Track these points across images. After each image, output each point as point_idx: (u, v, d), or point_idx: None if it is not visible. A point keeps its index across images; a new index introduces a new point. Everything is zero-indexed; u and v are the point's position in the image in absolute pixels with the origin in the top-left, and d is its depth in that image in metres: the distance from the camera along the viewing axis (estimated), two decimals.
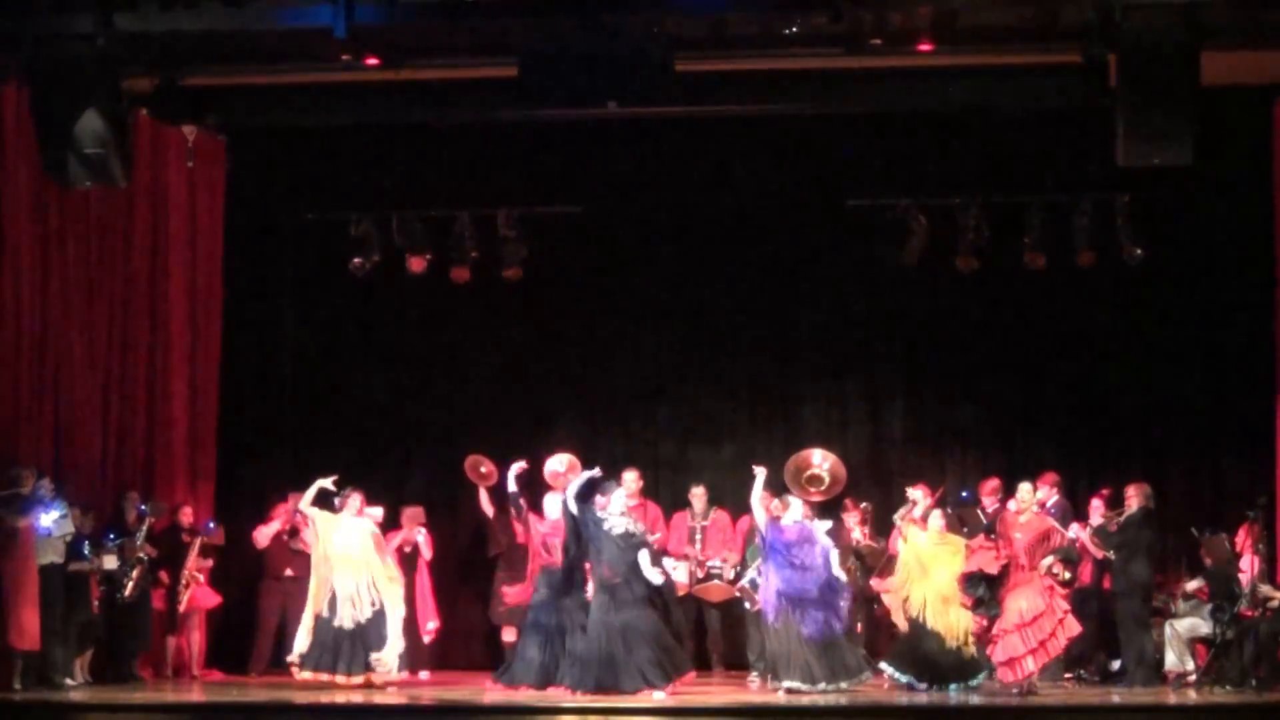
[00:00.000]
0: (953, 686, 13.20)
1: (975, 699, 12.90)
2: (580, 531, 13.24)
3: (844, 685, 13.10)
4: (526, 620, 13.78)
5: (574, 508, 13.24)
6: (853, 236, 15.97)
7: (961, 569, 13.43)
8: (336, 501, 13.89)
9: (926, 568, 13.40)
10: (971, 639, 13.34)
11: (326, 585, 13.70)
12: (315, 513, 13.89)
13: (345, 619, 13.61)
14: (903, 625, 13.52)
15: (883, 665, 13.55)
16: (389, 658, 13.61)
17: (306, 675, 13.61)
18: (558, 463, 14.39)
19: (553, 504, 13.91)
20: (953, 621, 13.28)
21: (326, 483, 13.81)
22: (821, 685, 13.03)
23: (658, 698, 12.64)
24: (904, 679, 13.33)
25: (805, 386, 16.31)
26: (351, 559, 13.73)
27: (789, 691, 13.01)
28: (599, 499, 13.36)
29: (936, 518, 13.61)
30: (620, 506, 13.33)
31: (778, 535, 13.38)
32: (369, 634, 13.63)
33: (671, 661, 13.05)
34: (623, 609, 12.97)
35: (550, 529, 13.81)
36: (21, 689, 12.94)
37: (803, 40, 13.14)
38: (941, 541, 13.52)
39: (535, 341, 16.40)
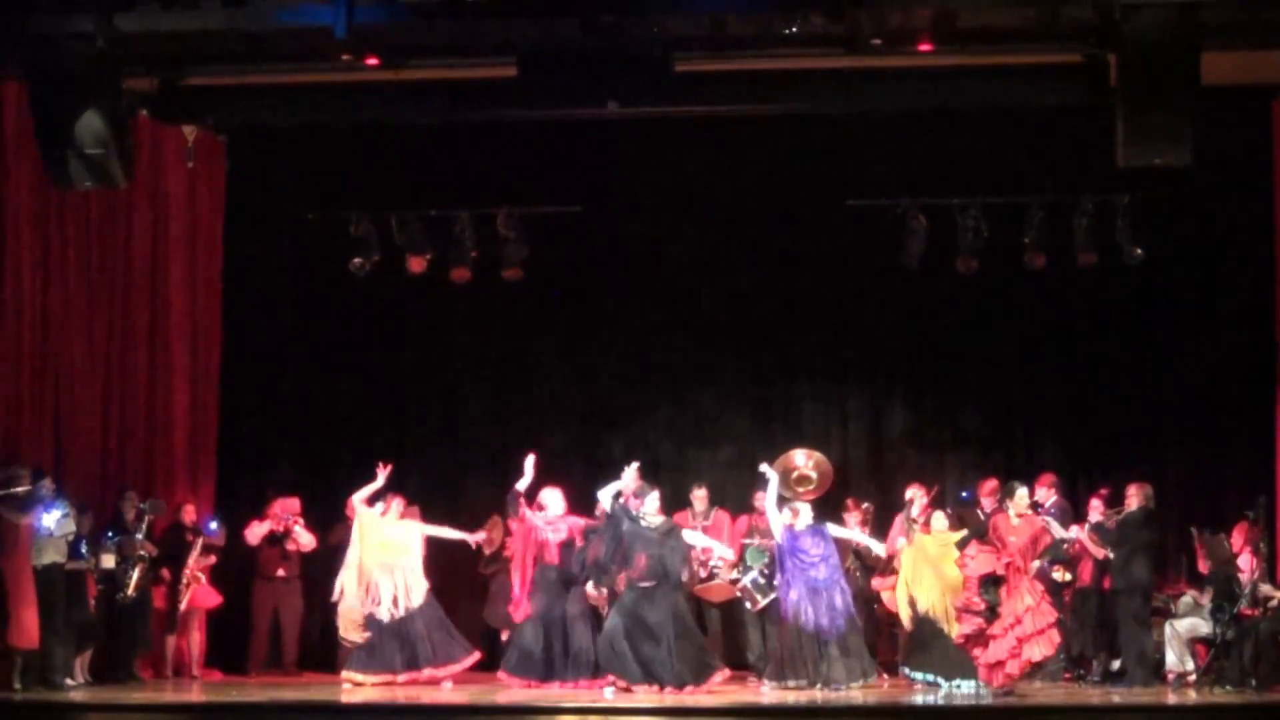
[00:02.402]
0: (970, 684, 13.22)
1: (985, 697, 12.94)
2: (616, 531, 13.41)
3: (852, 686, 13.30)
4: (530, 614, 13.87)
5: (609, 506, 13.53)
6: (853, 236, 15.97)
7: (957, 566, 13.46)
8: (380, 505, 14.18)
9: (933, 567, 13.45)
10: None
11: (365, 584, 13.94)
12: (364, 511, 14.04)
13: (385, 617, 13.84)
14: (908, 625, 13.59)
15: (904, 670, 13.65)
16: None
17: (358, 679, 13.79)
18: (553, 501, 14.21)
19: (553, 499, 13.97)
20: (949, 617, 13.34)
21: (379, 483, 14.08)
22: (834, 686, 13.25)
23: (688, 693, 12.98)
24: (927, 678, 13.41)
25: (805, 386, 16.33)
26: (394, 559, 13.95)
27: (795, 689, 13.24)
28: (633, 500, 13.59)
29: (940, 517, 13.66)
30: (654, 507, 13.55)
31: (794, 540, 13.58)
32: (412, 632, 13.85)
33: (705, 661, 13.41)
34: (657, 606, 13.23)
35: (547, 525, 13.88)
36: (22, 689, 12.94)
37: (803, 40, 13.11)
38: (943, 541, 13.56)
39: (535, 341, 16.40)
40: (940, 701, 12.92)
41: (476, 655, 14.21)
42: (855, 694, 13.18)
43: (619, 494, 13.64)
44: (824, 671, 13.32)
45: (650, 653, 13.20)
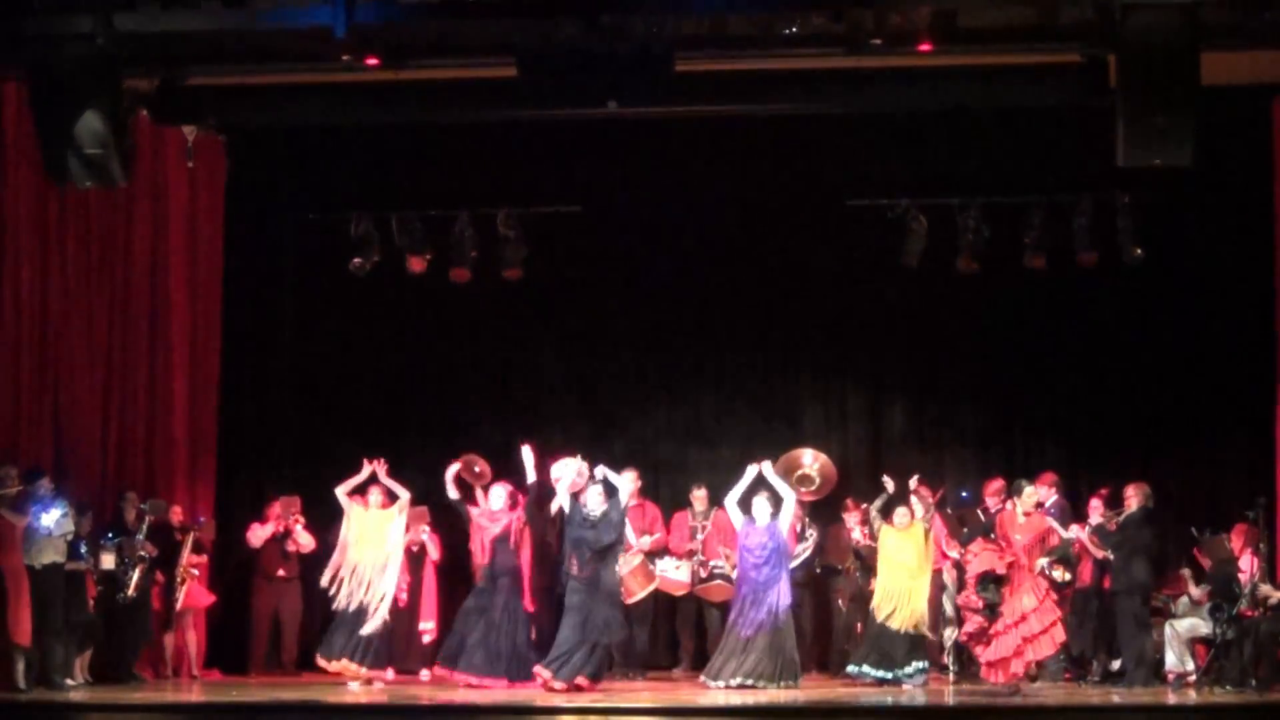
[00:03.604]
0: (894, 673, 13.45)
1: (920, 696, 13.04)
2: (565, 526, 13.50)
3: (768, 686, 13.40)
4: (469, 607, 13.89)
5: (567, 504, 13.51)
6: (853, 236, 15.98)
7: (920, 551, 13.59)
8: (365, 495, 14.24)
9: (889, 560, 13.68)
10: (924, 628, 13.66)
11: (342, 577, 13.98)
12: (349, 505, 14.10)
13: (352, 604, 13.85)
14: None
15: (850, 665, 13.88)
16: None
17: (335, 667, 13.86)
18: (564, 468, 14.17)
19: (497, 496, 14.00)
20: (902, 609, 13.52)
21: (367, 473, 14.10)
22: (765, 684, 13.38)
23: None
24: (871, 674, 13.60)
25: (805, 386, 16.34)
26: (366, 548, 13.96)
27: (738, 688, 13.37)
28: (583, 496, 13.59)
29: (902, 514, 13.76)
30: (597, 503, 13.43)
31: (745, 538, 13.76)
32: (361, 619, 13.84)
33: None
34: (598, 604, 13.23)
35: (490, 521, 13.92)
36: (25, 688, 12.93)
37: (803, 40, 13.11)
38: (903, 534, 13.71)
39: (535, 341, 16.41)
40: (889, 700, 12.99)
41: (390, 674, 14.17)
42: (859, 692, 13.22)
43: (616, 493, 13.60)
44: (746, 667, 13.42)
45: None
